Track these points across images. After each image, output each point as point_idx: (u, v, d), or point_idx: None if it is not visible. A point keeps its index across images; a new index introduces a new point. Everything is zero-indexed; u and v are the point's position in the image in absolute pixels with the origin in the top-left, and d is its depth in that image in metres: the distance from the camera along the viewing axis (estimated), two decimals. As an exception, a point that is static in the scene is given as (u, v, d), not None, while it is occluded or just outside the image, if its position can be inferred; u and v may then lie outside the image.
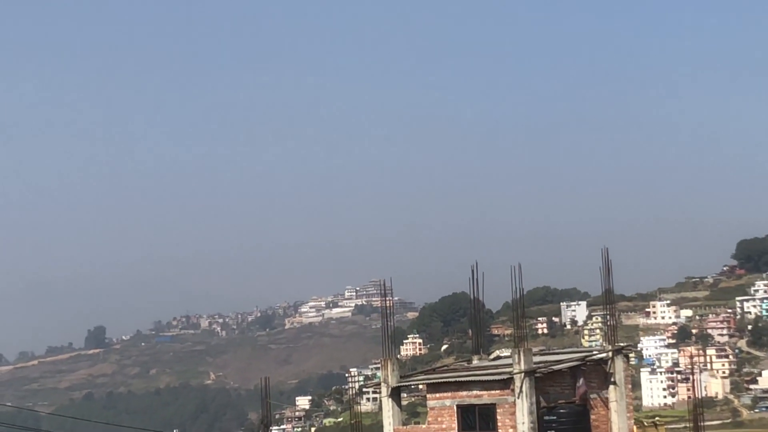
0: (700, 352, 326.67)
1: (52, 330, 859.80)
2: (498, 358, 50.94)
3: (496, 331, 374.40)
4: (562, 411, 43.89)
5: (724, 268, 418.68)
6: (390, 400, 46.92)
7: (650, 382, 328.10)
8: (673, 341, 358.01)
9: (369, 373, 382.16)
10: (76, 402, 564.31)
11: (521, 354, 42.78)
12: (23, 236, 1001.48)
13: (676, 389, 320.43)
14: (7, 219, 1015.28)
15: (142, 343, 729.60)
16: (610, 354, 46.41)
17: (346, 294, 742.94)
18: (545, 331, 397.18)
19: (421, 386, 48.59)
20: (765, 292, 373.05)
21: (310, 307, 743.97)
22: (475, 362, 49.90)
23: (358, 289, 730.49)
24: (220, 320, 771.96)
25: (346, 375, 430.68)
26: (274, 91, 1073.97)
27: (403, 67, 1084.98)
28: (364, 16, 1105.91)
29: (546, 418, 43.45)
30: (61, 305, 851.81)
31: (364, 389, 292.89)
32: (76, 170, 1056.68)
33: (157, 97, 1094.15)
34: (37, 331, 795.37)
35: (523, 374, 42.51)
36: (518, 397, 42.60)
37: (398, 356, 52.09)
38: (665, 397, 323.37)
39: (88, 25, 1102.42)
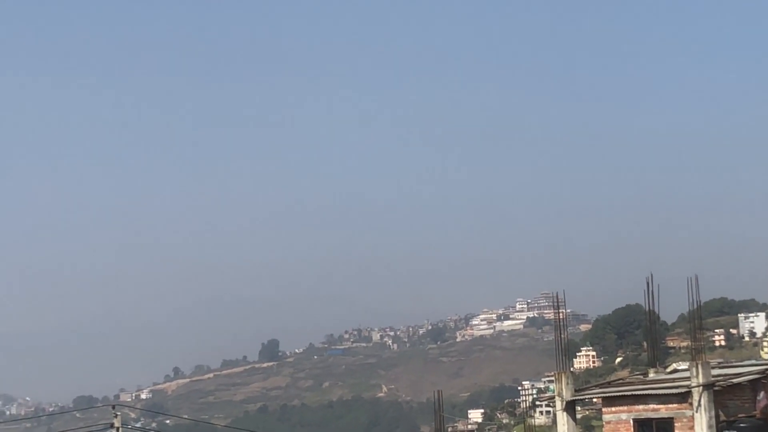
0: None
1: (227, 343, 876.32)
2: (675, 371, 50.14)
3: (671, 344, 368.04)
4: (742, 425, 42.97)
5: None
6: (565, 413, 46.47)
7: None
8: None
9: (542, 386, 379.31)
10: (251, 414, 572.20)
11: (699, 367, 41.98)
12: (201, 254, 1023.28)
13: None
14: (185, 238, 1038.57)
15: (315, 356, 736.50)
16: (792, 367, 45.29)
17: (518, 306, 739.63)
18: (722, 343, 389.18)
19: (596, 400, 48.16)
20: None
21: (481, 320, 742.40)
22: (652, 375, 49.20)
23: (529, 301, 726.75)
24: (392, 333, 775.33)
25: (519, 388, 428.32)
26: (452, 105, 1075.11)
27: (577, 85, 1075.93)
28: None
29: (726, 432, 42.61)
30: (236, 319, 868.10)
31: (537, 402, 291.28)
32: (253, 186, 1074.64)
33: (339, 110, 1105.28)
34: (213, 344, 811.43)
35: (701, 387, 41.69)
36: (697, 411, 41.80)
37: (572, 369, 51.53)
38: None
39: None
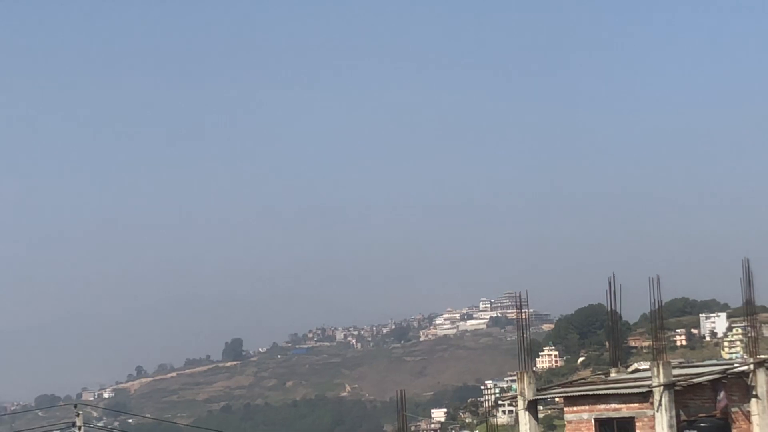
0: None
1: (191, 342, 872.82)
2: (636, 370, 50.44)
3: (633, 343, 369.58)
4: (702, 425, 43.22)
5: None
6: (527, 413, 46.61)
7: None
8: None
9: (504, 385, 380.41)
10: (214, 414, 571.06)
11: (660, 366, 42.21)
12: (163, 251, 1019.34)
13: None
14: (149, 236, 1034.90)
15: (279, 356, 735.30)
16: (752, 366, 45.59)
17: (481, 306, 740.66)
18: (684, 343, 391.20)
19: (558, 399, 48.37)
20: None
21: (445, 319, 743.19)
22: (613, 375, 49.43)
23: (492, 301, 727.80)
24: (356, 332, 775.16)
25: (482, 387, 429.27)
26: (414, 106, 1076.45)
27: (544, 85, 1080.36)
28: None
29: (686, 431, 42.85)
30: (199, 318, 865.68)
31: (500, 402, 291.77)
32: (214, 188, 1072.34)
33: (297, 110, 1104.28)
34: (177, 343, 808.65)
35: (662, 387, 41.92)
36: (658, 411, 42.02)
37: (534, 369, 51.74)
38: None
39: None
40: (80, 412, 60.79)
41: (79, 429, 60.04)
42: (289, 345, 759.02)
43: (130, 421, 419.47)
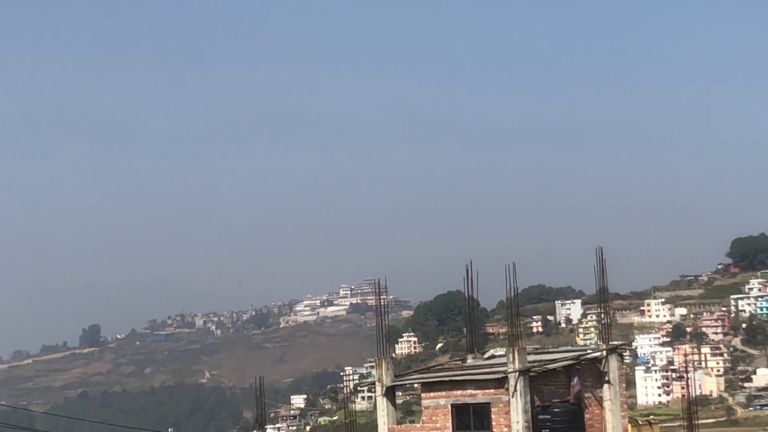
0: (695, 350, 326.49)
1: (47, 329, 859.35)
2: (492, 357, 50.88)
3: (490, 330, 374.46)
4: (556, 410, 43.88)
5: (719, 267, 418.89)
6: (384, 399, 46.85)
7: (645, 380, 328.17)
8: (668, 339, 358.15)
9: (364, 371, 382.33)
10: (71, 401, 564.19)
11: (516, 353, 42.77)
12: (18, 235, 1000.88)
13: (670, 387, 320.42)
14: (1, 217, 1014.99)
15: (137, 342, 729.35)
16: (605, 353, 46.41)
17: (341, 292, 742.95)
18: (540, 329, 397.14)
19: (416, 385, 48.54)
20: (759, 290, 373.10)
21: (305, 306, 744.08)
22: (470, 361, 49.86)
23: (353, 287, 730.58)
24: (215, 319, 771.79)
25: (341, 374, 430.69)
26: (270, 89, 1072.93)
27: (398, 66, 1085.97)
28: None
29: (540, 417, 43.44)
30: (55, 304, 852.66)
31: (359, 388, 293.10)
32: (71, 169, 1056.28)
33: (148, 94, 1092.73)
34: (32, 329, 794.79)
35: (517, 373, 42.50)
36: (513, 396, 42.60)
37: (393, 355, 52.13)
38: (660, 395, 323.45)
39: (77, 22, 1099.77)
40: (-68, 400, 59.66)
41: (-69, 417, 58.94)
42: (148, 331, 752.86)
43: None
